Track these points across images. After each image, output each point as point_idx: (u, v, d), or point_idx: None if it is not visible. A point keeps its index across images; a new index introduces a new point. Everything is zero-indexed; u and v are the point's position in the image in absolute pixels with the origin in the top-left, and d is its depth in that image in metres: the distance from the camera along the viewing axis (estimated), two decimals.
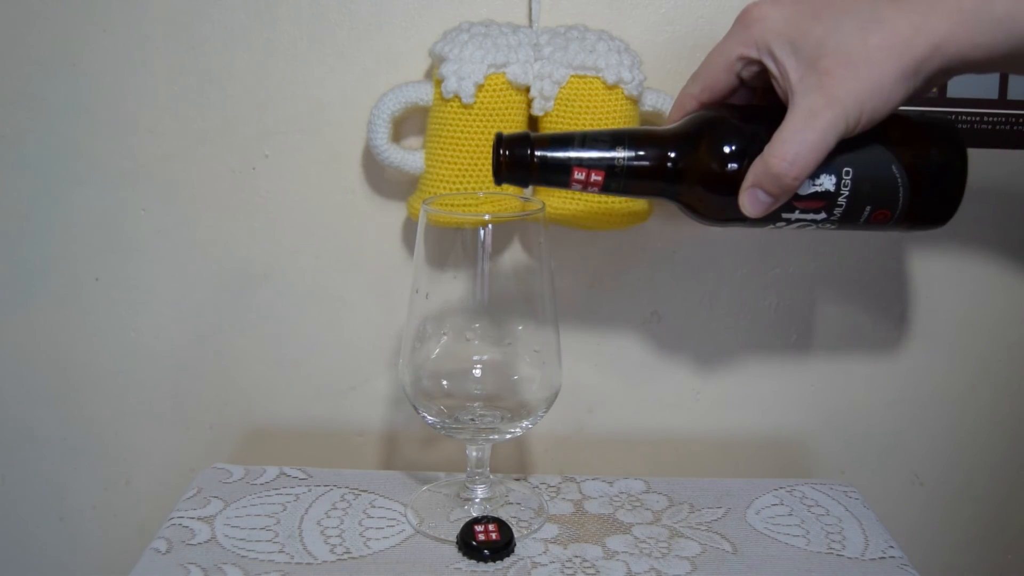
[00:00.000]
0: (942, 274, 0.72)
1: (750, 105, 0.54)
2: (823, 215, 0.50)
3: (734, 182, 0.49)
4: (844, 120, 0.46)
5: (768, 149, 0.47)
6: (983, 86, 0.68)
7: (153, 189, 0.69)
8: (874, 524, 0.60)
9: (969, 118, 0.68)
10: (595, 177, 0.51)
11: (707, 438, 0.75)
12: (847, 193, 0.49)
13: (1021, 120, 0.69)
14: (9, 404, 0.74)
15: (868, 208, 0.50)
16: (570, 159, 0.51)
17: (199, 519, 0.59)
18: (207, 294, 0.71)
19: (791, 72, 0.47)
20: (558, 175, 0.51)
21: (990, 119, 0.69)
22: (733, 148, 0.50)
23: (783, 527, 0.60)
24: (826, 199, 0.49)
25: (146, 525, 0.73)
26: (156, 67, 0.67)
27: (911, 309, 0.73)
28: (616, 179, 0.51)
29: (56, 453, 0.75)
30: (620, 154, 0.50)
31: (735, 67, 0.51)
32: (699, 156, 0.51)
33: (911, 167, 0.50)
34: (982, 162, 0.70)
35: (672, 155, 0.51)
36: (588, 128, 0.52)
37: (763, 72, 0.50)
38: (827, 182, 0.49)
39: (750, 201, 0.49)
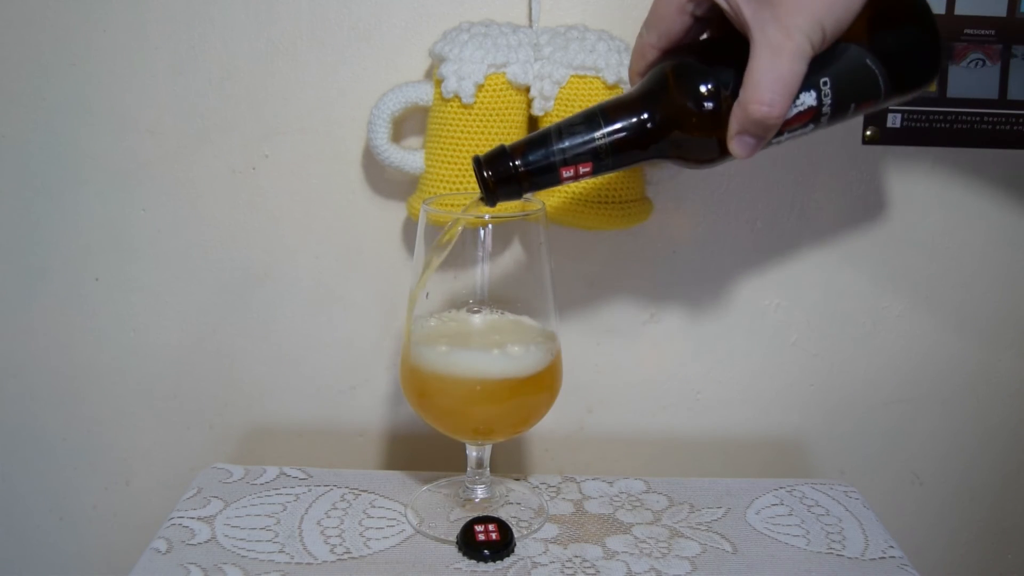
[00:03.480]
0: (941, 274, 0.72)
1: (709, 40, 0.53)
2: (811, 126, 0.50)
3: (715, 121, 0.49)
4: (808, 45, 0.45)
5: (743, 95, 0.47)
6: (983, 86, 0.68)
7: (153, 189, 0.69)
8: (874, 524, 0.60)
9: (969, 118, 0.68)
10: (583, 170, 0.50)
11: (707, 438, 0.75)
12: (829, 102, 0.49)
13: (1021, 120, 0.69)
14: (9, 404, 0.74)
15: (853, 105, 0.50)
16: (553, 157, 0.50)
17: (199, 519, 0.59)
18: (207, 294, 0.71)
19: (743, 7, 0.47)
20: (547, 177, 0.51)
21: (990, 119, 0.69)
22: (706, 89, 0.49)
23: (783, 527, 0.60)
24: (811, 113, 0.49)
25: (146, 525, 0.72)
26: (156, 67, 0.67)
27: (910, 309, 0.73)
28: (603, 160, 0.50)
29: (56, 453, 0.75)
30: (598, 133, 0.50)
31: (687, 8, 0.50)
32: (675, 109, 0.50)
33: (885, 54, 0.49)
34: (982, 162, 0.70)
35: (647, 116, 0.50)
36: (555, 127, 0.52)
37: (715, 5, 0.49)
38: (808, 99, 0.48)
39: (740, 147, 0.49)
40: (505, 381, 0.55)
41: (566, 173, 0.50)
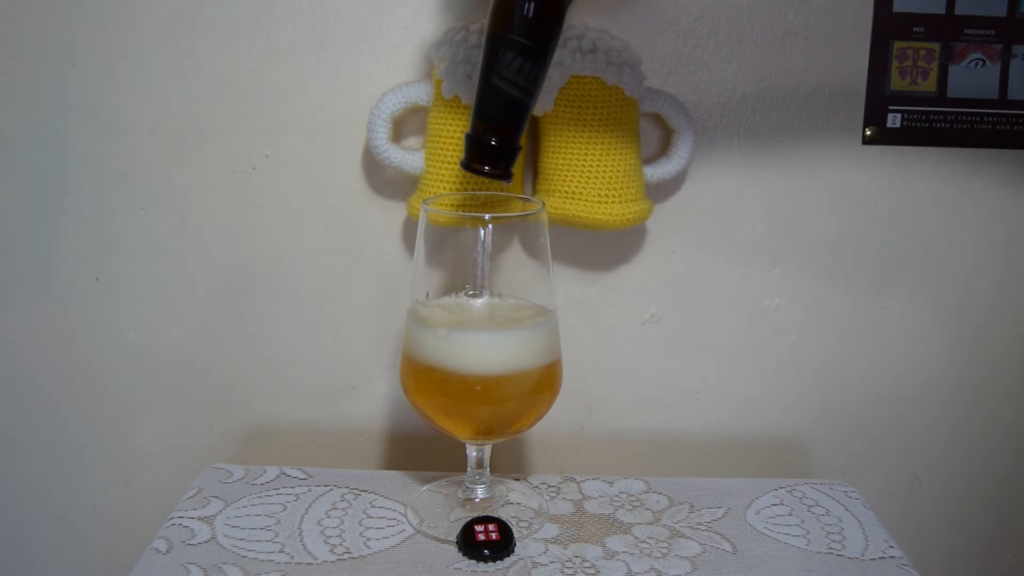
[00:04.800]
0: (942, 274, 0.72)
1: None
2: None
3: None
4: None
5: None
6: (983, 86, 0.68)
7: (153, 189, 0.69)
8: (874, 524, 0.60)
9: (969, 118, 0.68)
10: (539, 77, 0.52)
11: (707, 438, 0.75)
12: None
13: (1021, 120, 0.69)
14: (9, 404, 0.74)
15: None
16: (509, 94, 0.51)
17: (199, 519, 0.59)
18: (207, 294, 0.71)
19: None
20: (522, 115, 0.52)
21: (990, 119, 0.69)
22: None
23: (783, 527, 0.60)
24: None
25: (146, 525, 0.72)
26: (156, 67, 0.67)
27: (910, 309, 0.73)
28: (539, 55, 0.51)
29: (56, 453, 0.75)
30: (518, 43, 0.51)
31: None
32: None
33: None
34: (982, 162, 0.70)
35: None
36: (488, 75, 0.53)
37: None
38: None
39: None
40: (508, 374, 0.55)
41: (529, 94, 0.52)
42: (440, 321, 0.55)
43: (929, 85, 0.68)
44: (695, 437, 0.75)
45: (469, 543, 0.55)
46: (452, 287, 0.57)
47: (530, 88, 0.52)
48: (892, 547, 0.57)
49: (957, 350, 0.74)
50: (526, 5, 0.51)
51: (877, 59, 0.68)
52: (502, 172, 0.53)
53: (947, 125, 0.69)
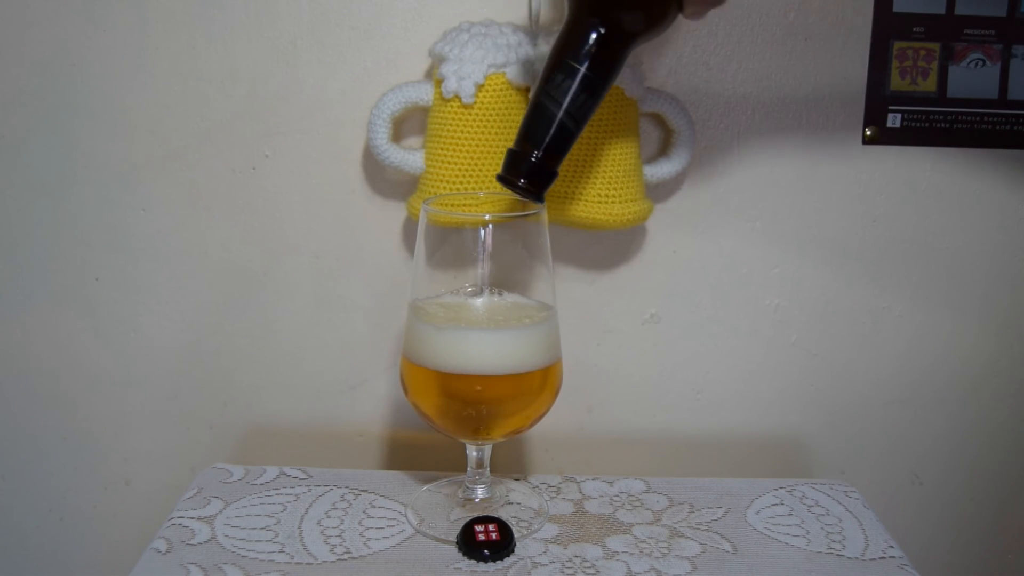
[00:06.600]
0: (941, 275, 0.72)
1: None
2: None
3: None
4: None
5: None
6: (983, 86, 0.68)
7: (153, 189, 0.69)
8: (874, 524, 0.60)
9: (969, 118, 0.68)
10: (588, 108, 0.51)
11: (707, 438, 0.75)
12: None
13: (1021, 120, 0.69)
14: (9, 404, 0.74)
15: None
16: (558, 120, 0.51)
17: (199, 519, 0.59)
18: (207, 294, 0.71)
19: None
20: (566, 141, 0.52)
21: (990, 119, 0.69)
22: None
23: (783, 527, 0.60)
24: None
25: (146, 525, 0.73)
26: (156, 67, 0.67)
27: (911, 309, 0.73)
28: (595, 87, 0.51)
29: (56, 453, 0.75)
30: (579, 71, 0.51)
31: None
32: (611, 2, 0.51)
33: None
34: (982, 162, 0.70)
35: (597, 21, 0.51)
36: (541, 96, 0.52)
37: None
38: None
39: (695, 13, 0.51)
40: (508, 374, 0.55)
41: (577, 123, 0.51)
42: (440, 319, 0.55)
43: (929, 85, 0.68)
44: (695, 437, 0.75)
45: (469, 543, 0.55)
46: (452, 287, 0.57)
47: (580, 117, 0.52)
48: (892, 547, 0.57)
49: (957, 350, 0.74)
50: (595, 36, 0.51)
51: (877, 59, 0.68)
52: (536, 191, 0.52)
53: (947, 125, 0.69)
